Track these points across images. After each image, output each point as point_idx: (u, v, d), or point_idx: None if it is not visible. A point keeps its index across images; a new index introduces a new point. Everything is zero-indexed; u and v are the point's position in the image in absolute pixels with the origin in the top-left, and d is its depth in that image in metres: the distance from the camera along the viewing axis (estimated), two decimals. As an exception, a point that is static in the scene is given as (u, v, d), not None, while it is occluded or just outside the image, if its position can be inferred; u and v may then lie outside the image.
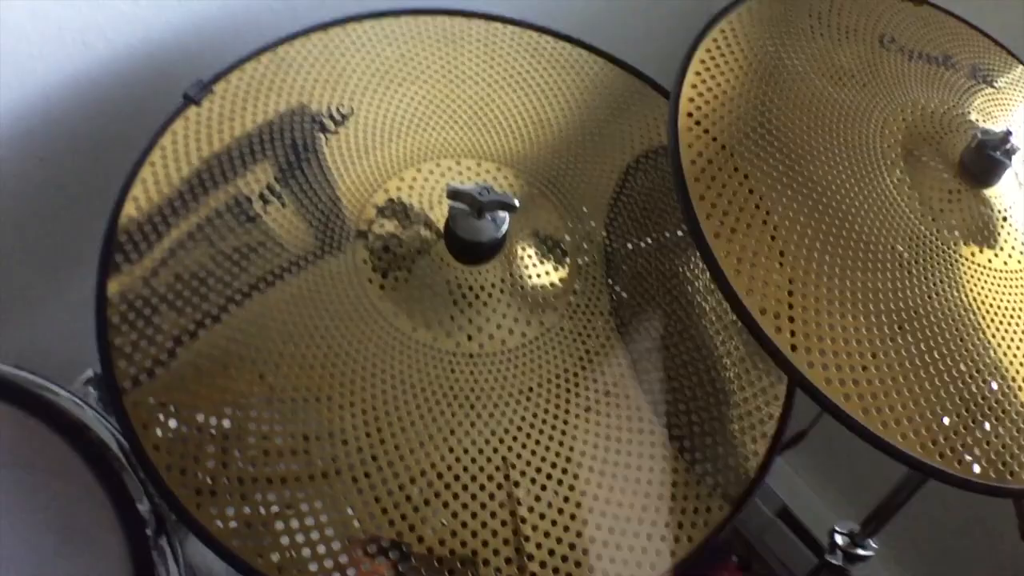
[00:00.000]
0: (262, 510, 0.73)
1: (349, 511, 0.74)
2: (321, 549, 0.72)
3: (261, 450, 0.75)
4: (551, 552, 0.76)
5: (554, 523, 0.76)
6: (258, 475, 0.74)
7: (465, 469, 0.77)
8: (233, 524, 0.73)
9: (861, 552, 1.08)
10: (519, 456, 0.78)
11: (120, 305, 0.79)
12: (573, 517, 0.77)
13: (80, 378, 0.95)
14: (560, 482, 0.78)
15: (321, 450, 0.76)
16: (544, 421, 0.80)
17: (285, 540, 0.72)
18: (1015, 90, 1.01)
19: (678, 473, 0.81)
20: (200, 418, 0.76)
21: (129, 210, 0.84)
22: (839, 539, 1.09)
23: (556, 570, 0.75)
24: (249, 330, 0.80)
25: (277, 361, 0.79)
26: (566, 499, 0.77)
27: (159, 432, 0.75)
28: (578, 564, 0.76)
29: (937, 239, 0.84)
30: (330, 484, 0.74)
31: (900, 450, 0.75)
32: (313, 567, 0.72)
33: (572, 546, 0.76)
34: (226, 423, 0.76)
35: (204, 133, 0.88)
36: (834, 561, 1.09)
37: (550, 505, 0.77)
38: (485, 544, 0.74)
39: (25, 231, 1.10)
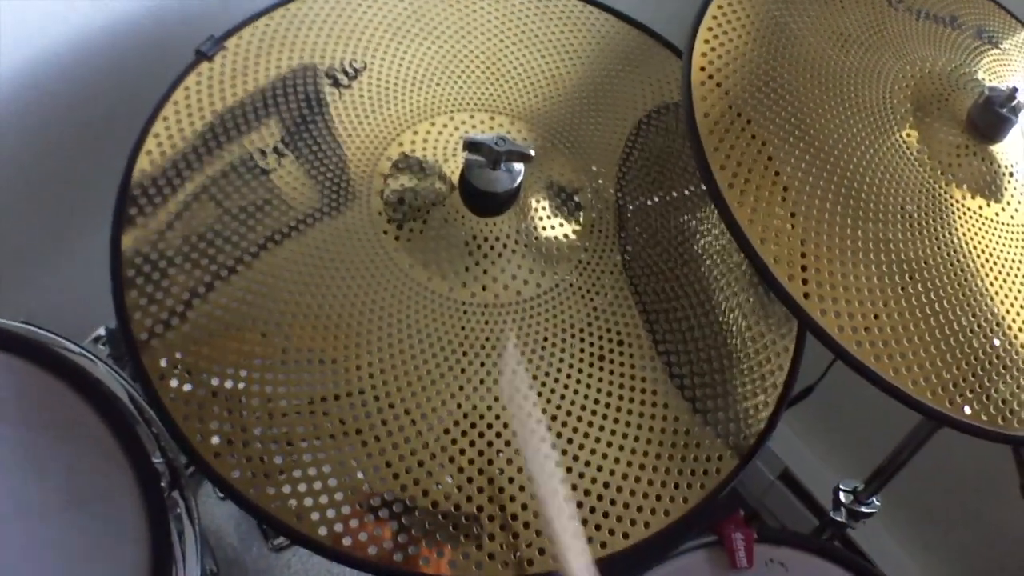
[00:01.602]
0: (271, 467, 0.74)
1: (360, 475, 0.74)
2: (331, 513, 0.73)
3: (268, 411, 0.76)
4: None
5: (569, 470, 0.77)
6: (266, 435, 0.75)
7: (473, 425, 0.77)
8: (244, 475, 0.73)
9: (864, 509, 1.09)
10: (537, 409, 0.79)
11: (135, 259, 0.80)
12: (587, 464, 0.78)
13: (91, 336, 0.96)
14: (575, 430, 0.79)
15: (330, 412, 0.76)
16: (559, 371, 0.81)
17: (292, 502, 0.73)
18: (1019, 52, 1.02)
19: (689, 423, 0.82)
20: (211, 377, 0.76)
21: (143, 164, 0.84)
22: (843, 496, 1.09)
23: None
24: (260, 289, 0.80)
25: (288, 321, 0.79)
26: (580, 447, 0.78)
27: (173, 386, 0.76)
28: (592, 510, 0.76)
29: (945, 193, 0.85)
30: (338, 446, 0.75)
31: (910, 395, 0.76)
32: (322, 531, 0.73)
33: (587, 492, 0.77)
34: (237, 383, 0.76)
35: (216, 88, 0.89)
36: (838, 518, 1.10)
37: (564, 453, 0.77)
38: (491, 500, 0.75)
39: (36, 189, 1.10)
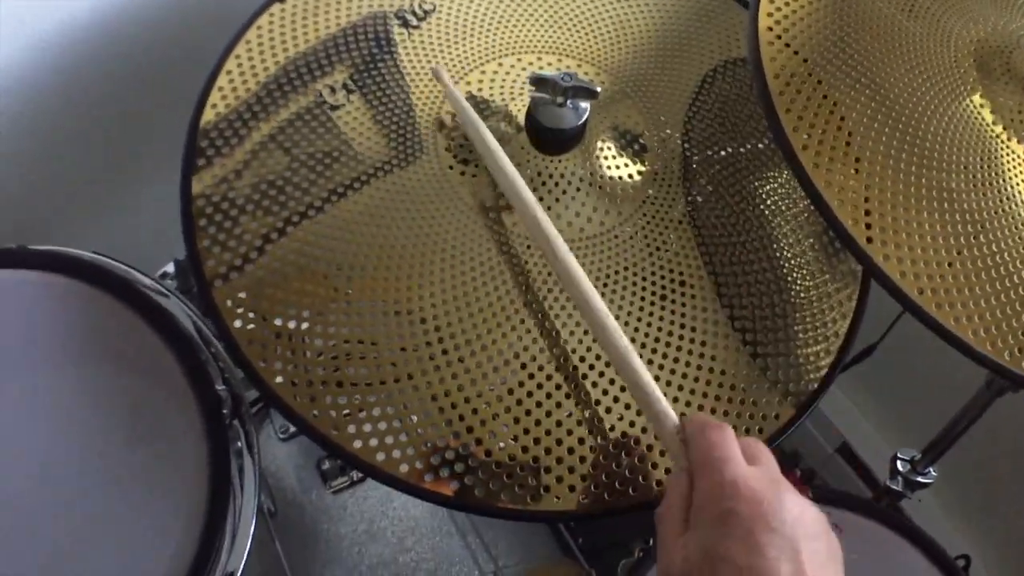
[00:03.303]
0: (340, 411, 0.74)
1: (422, 415, 0.75)
2: (396, 453, 0.74)
3: (332, 355, 0.76)
4: (623, 435, 0.77)
5: (628, 406, 0.77)
6: (337, 378, 0.75)
7: (531, 376, 0.78)
8: (321, 414, 0.74)
9: (921, 479, 1.08)
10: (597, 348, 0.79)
11: (205, 207, 0.81)
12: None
13: (159, 271, 0.97)
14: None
15: (398, 363, 0.77)
16: (620, 307, 0.81)
17: (357, 443, 0.74)
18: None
19: (748, 369, 0.81)
20: (277, 318, 0.77)
21: (213, 105, 0.86)
22: (900, 464, 1.09)
23: (626, 450, 0.76)
24: (330, 233, 0.81)
25: (358, 266, 0.80)
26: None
27: (249, 327, 0.77)
28: (649, 448, 0.76)
29: (1007, 149, 0.85)
30: (402, 394, 0.76)
31: (971, 346, 0.75)
32: (404, 467, 0.73)
33: (644, 430, 0.77)
34: (302, 324, 0.77)
35: (288, 29, 0.90)
36: (894, 487, 1.09)
37: (623, 390, 0.78)
38: (548, 451, 0.75)
39: (108, 125, 1.11)
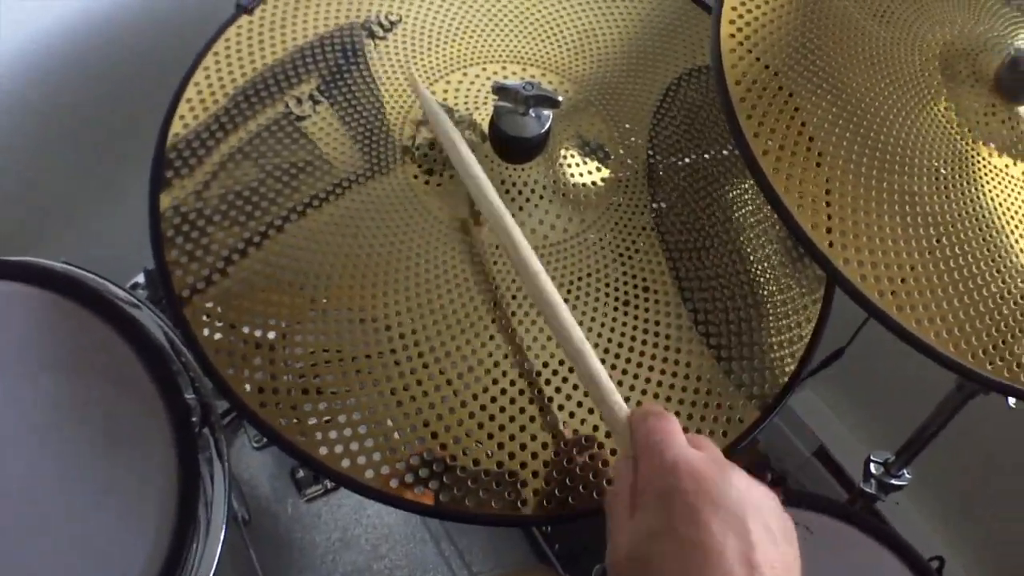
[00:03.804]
0: (306, 418, 0.75)
1: (389, 422, 0.75)
2: (361, 460, 0.74)
3: (304, 365, 0.77)
4: (586, 449, 0.77)
5: (593, 425, 0.78)
6: (300, 386, 0.76)
7: (504, 374, 0.79)
8: (290, 423, 0.75)
9: (894, 482, 1.09)
10: (560, 355, 0.80)
11: (173, 218, 0.82)
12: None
13: (130, 282, 0.98)
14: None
15: (362, 370, 0.77)
16: (584, 313, 0.82)
17: (323, 450, 0.74)
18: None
19: (712, 373, 0.82)
20: (249, 329, 0.78)
21: (181, 118, 0.86)
22: (873, 467, 1.09)
23: (588, 465, 0.77)
24: (300, 245, 0.82)
25: (326, 276, 0.81)
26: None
27: (217, 337, 0.78)
28: (613, 452, 0.77)
29: (972, 151, 0.85)
30: (372, 401, 0.76)
31: (933, 348, 0.76)
32: (369, 473, 0.74)
33: (608, 435, 0.77)
34: (274, 335, 0.78)
35: (256, 41, 0.91)
36: (868, 489, 1.09)
37: (586, 395, 0.78)
38: (535, 456, 0.76)
39: (80, 137, 1.12)
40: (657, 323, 0.83)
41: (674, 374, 0.81)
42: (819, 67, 0.85)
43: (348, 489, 0.73)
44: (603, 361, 0.77)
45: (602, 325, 0.82)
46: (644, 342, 0.82)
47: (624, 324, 0.82)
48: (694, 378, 0.81)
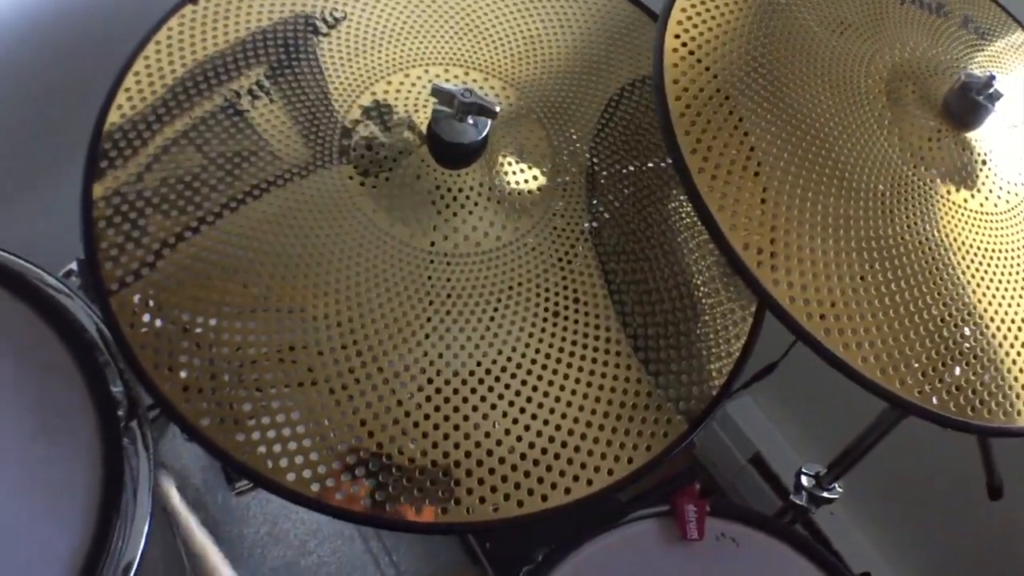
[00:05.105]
0: (239, 413, 0.75)
1: (325, 421, 0.75)
2: (299, 460, 0.74)
3: (237, 357, 0.77)
4: (516, 452, 0.78)
5: (524, 426, 0.79)
6: (234, 381, 0.76)
7: (439, 373, 0.79)
8: (213, 421, 0.75)
9: (826, 495, 1.09)
10: (490, 359, 0.80)
11: (106, 209, 0.81)
12: (534, 417, 0.79)
13: (63, 270, 0.97)
14: (524, 383, 0.80)
15: (299, 360, 0.77)
16: (513, 323, 0.81)
17: (263, 447, 0.74)
18: (1003, 42, 1.02)
19: (641, 385, 0.82)
20: (181, 321, 0.77)
21: (118, 109, 0.85)
22: (804, 480, 1.10)
23: (518, 468, 0.77)
24: (234, 238, 0.81)
25: (260, 269, 0.80)
26: (528, 399, 0.79)
27: (144, 331, 0.77)
28: (535, 463, 0.77)
29: (915, 176, 0.85)
30: (307, 396, 0.76)
31: (861, 373, 0.76)
32: (291, 476, 0.74)
33: (531, 445, 0.78)
34: (208, 328, 0.77)
35: (199, 31, 0.90)
36: (798, 501, 1.10)
37: (511, 405, 0.79)
38: (468, 455, 0.76)
39: (15, 122, 1.11)
40: (586, 335, 0.83)
41: (600, 387, 0.81)
42: (768, 80, 0.85)
43: (267, 491, 0.73)
44: (530, 372, 0.78)
45: (530, 335, 0.81)
46: (572, 353, 0.82)
47: (553, 336, 0.82)
48: (620, 391, 0.81)
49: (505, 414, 0.78)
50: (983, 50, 0.99)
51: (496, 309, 0.80)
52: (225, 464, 0.75)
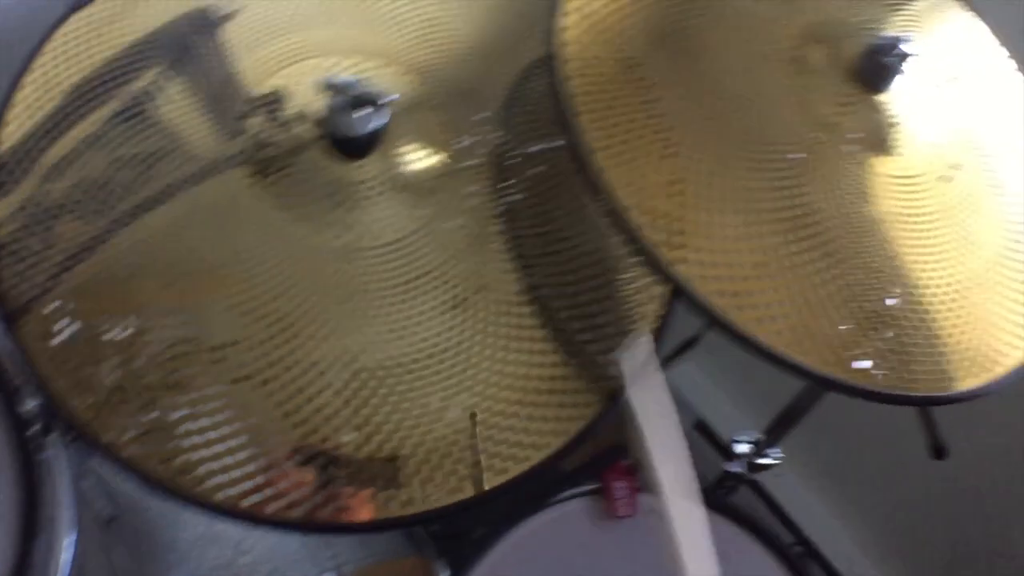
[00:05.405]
0: (166, 417, 0.74)
1: (255, 418, 0.75)
2: (230, 459, 0.73)
3: (165, 357, 0.75)
4: (448, 440, 0.78)
5: (432, 418, 0.78)
6: (162, 382, 0.75)
7: (377, 375, 0.78)
8: (135, 432, 0.73)
9: (765, 461, 1.09)
10: (404, 350, 0.79)
11: (10, 224, 0.79)
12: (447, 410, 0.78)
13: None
14: (437, 372, 0.79)
15: (228, 357, 0.76)
16: (423, 313, 0.81)
17: (193, 454, 0.73)
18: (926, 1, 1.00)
19: (554, 367, 0.81)
20: (103, 327, 0.76)
21: (7, 127, 0.84)
22: (737, 448, 1.09)
23: (428, 460, 0.77)
24: (150, 236, 0.80)
25: (177, 269, 0.79)
26: (442, 390, 0.79)
27: (58, 341, 0.75)
28: (448, 455, 0.77)
29: (827, 142, 0.84)
30: (239, 390, 0.75)
31: (771, 350, 0.75)
32: (222, 478, 0.73)
33: (441, 437, 0.77)
34: (129, 331, 0.76)
35: (94, 35, 0.88)
36: (735, 470, 1.09)
37: (438, 395, 0.78)
38: (403, 444, 0.76)
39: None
40: (495, 323, 0.82)
41: (512, 374, 0.80)
42: (679, 47, 0.83)
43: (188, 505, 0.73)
44: (441, 361, 0.78)
45: (440, 324, 0.81)
46: (480, 343, 0.81)
47: (460, 324, 0.81)
48: (535, 377, 0.81)
49: (427, 403, 0.78)
50: (903, 11, 0.97)
51: (404, 301, 0.79)
52: (140, 479, 0.73)
